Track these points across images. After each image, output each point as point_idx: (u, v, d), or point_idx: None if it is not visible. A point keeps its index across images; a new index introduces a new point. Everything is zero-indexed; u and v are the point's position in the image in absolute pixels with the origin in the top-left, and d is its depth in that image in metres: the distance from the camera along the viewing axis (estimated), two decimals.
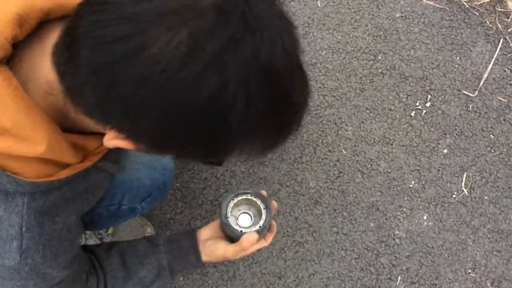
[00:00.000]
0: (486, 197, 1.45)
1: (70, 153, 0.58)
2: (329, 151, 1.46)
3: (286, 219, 1.38)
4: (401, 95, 1.54)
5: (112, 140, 0.52)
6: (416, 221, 1.42)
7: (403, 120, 1.52)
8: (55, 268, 0.66)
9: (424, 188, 1.45)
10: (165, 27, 0.43)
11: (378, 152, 1.48)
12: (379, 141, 1.49)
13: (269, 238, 0.96)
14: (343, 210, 1.40)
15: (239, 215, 1.00)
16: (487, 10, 1.68)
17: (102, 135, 0.55)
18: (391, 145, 1.49)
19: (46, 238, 0.62)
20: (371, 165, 1.46)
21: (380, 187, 1.44)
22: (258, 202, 0.98)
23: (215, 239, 0.94)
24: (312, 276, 1.33)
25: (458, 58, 1.61)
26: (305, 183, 1.42)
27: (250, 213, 1.02)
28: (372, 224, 1.40)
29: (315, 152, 1.45)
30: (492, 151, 1.50)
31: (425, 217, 1.42)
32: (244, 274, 1.32)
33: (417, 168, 1.47)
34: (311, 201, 1.40)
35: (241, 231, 0.93)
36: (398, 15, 1.65)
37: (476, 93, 1.57)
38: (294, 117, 0.52)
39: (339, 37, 1.60)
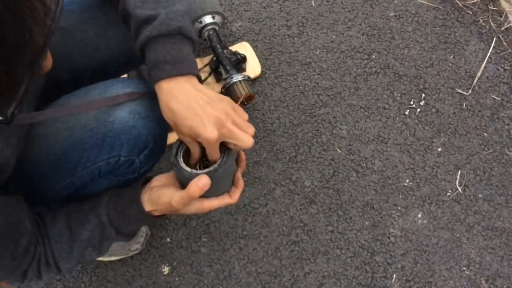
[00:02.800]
0: (480, 195, 1.46)
1: None
2: (324, 150, 1.46)
3: (281, 218, 1.38)
4: (395, 93, 1.55)
5: None
6: (411, 219, 1.42)
7: (397, 118, 1.52)
8: None
9: (419, 186, 1.46)
10: None
11: (373, 150, 1.48)
12: (374, 140, 1.49)
13: (235, 194, 0.85)
14: (338, 209, 1.41)
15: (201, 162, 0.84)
16: (480, 9, 1.69)
17: None
18: (386, 143, 1.49)
19: None
20: (365, 163, 1.46)
21: (375, 186, 1.44)
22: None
23: (164, 185, 0.83)
24: (307, 275, 1.33)
25: (451, 56, 1.62)
26: (300, 182, 1.42)
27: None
28: (367, 223, 1.41)
29: (310, 151, 1.45)
30: (486, 149, 1.51)
31: (419, 215, 1.43)
32: (239, 273, 1.32)
33: (412, 166, 1.48)
34: (306, 200, 1.40)
35: (191, 171, 0.78)
36: (392, 14, 1.65)
37: (470, 91, 1.57)
38: None
39: (333, 37, 1.60)
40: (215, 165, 0.78)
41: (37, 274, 0.83)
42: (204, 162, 0.83)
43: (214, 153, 0.78)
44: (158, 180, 0.85)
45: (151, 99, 0.87)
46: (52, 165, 0.87)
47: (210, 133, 0.74)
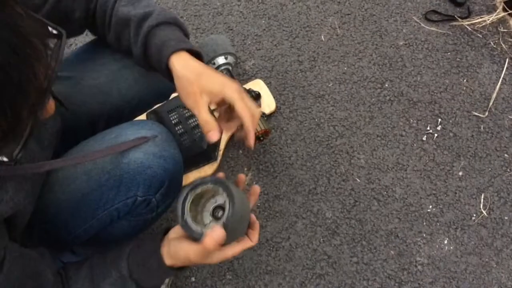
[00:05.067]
0: (506, 217, 1.43)
1: None
2: (343, 180, 1.46)
3: (304, 252, 1.37)
4: (411, 120, 1.55)
5: None
6: (437, 246, 1.40)
7: (415, 145, 1.52)
8: None
9: (443, 212, 1.44)
10: None
11: (393, 178, 1.47)
12: (393, 168, 1.49)
13: (254, 236, 0.85)
14: (361, 239, 1.39)
15: (213, 208, 0.82)
16: (490, 31, 1.70)
17: None
18: (405, 170, 1.48)
19: None
20: (386, 192, 1.45)
21: (398, 214, 1.43)
22: (220, 191, 0.80)
23: (181, 237, 0.80)
24: None
25: (465, 80, 1.62)
26: (321, 214, 1.41)
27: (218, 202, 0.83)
28: (392, 252, 1.39)
29: (329, 183, 1.45)
30: (508, 170, 1.49)
31: (446, 242, 1.40)
32: None
33: (434, 192, 1.46)
34: (328, 231, 1.40)
35: (202, 231, 0.76)
36: (401, 43, 1.68)
37: (487, 113, 1.57)
38: None
39: (345, 68, 1.62)
40: (224, 219, 0.75)
41: None
42: (215, 210, 0.81)
43: (246, 100, 0.82)
44: (176, 232, 0.83)
45: (164, 139, 0.91)
46: (72, 209, 0.89)
47: (237, 83, 0.81)
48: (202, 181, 0.79)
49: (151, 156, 0.88)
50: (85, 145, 0.92)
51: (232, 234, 0.78)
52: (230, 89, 0.80)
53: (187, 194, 0.78)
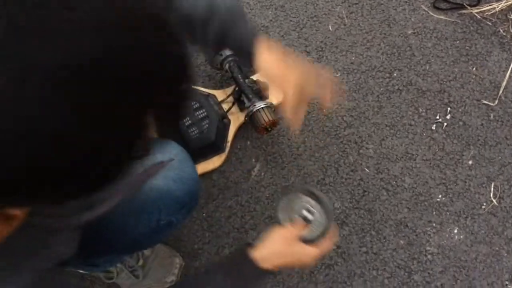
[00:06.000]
0: None
1: None
2: (352, 170, 1.46)
3: None
4: (420, 109, 1.54)
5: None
6: (447, 235, 1.39)
7: (424, 134, 1.51)
8: None
9: (452, 201, 1.43)
10: None
11: (402, 168, 1.47)
12: (402, 157, 1.48)
13: (335, 234, 0.95)
14: (371, 229, 1.39)
15: (303, 211, 0.93)
16: (499, 19, 1.68)
17: None
18: (415, 160, 1.48)
19: None
20: (395, 181, 1.45)
21: (407, 203, 1.42)
22: (310, 197, 0.94)
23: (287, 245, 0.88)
24: None
25: (474, 68, 1.60)
26: (330, 204, 1.41)
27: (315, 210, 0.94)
28: (402, 242, 1.38)
29: (337, 173, 1.45)
30: None
31: (455, 231, 1.40)
32: None
33: (443, 181, 1.45)
34: (337, 222, 1.39)
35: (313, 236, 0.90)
36: (410, 32, 1.66)
37: (496, 101, 1.55)
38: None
39: (353, 58, 1.61)
40: (324, 221, 0.91)
41: None
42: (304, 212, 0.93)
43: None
44: (273, 247, 0.88)
45: (181, 159, 0.94)
46: (94, 239, 0.89)
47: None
48: (295, 188, 0.99)
49: (170, 181, 0.90)
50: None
51: (321, 235, 0.91)
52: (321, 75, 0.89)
53: (280, 201, 0.94)
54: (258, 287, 0.91)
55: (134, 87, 0.37)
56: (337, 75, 1.58)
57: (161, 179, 0.89)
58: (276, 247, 0.86)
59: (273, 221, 0.92)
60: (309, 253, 0.88)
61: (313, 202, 0.93)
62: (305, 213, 0.93)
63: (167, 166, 0.90)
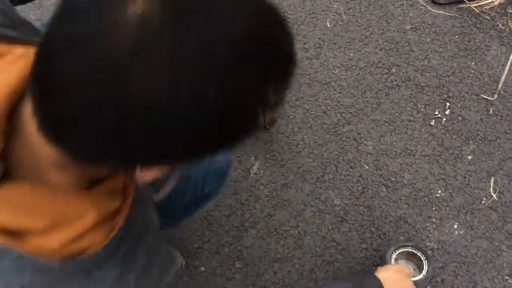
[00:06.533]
0: None
1: (112, 198, 0.58)
2: (351, 167, 1.46)
3: (313, 239, 1.37)
4: (419, 105, 1.54)
5: (145, 175, 0.51)
6: (447, 230, 1.39)
7: (423, 130, 1.51)
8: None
9: (452, 197, 1.43)
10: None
11: (401, 164, 1.47)
12: (401, 153, 1.48)
13: None
14: (370, 225, 1.39)
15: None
16: (498, 13, 1.67)
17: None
18: (414, 156, 1.47)
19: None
20: (395, 178, 1.45)
21: (407, 199, 1.42)
22: (419, 254, 1.24)
23: None
24: None
25: (473, 63, 1.60)
26: (330, 201, 1.41)
27: (409, 266, 1.27)
28: (402, 238, 1.38)
29: (336, 170, 1.45)
30: None
31: (455, 226, 1.40)
32: None
33: (443, 177, 1.45)
34: (337, 218, 1.40)
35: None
36: (408, 27, 1.66)
37: (496, 96, 1.55)
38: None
39: (351, 54, 1.61)
40: (424, 273, 1.23)
41: None
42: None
43: None
44: None
45: None
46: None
47: None
48: (404, 244, 1.27)
49: None
50: None
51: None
52: None
53: (393, 251, 1.26)
54: None
55: (270, 61, 0.46)
56: (336, 72, 1.58)
57: None
58: (393, 275, 1.08)
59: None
60: None
61: (420, 256, 1.25)
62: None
63: None
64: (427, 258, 1.23)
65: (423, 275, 1.21)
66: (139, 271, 0.59)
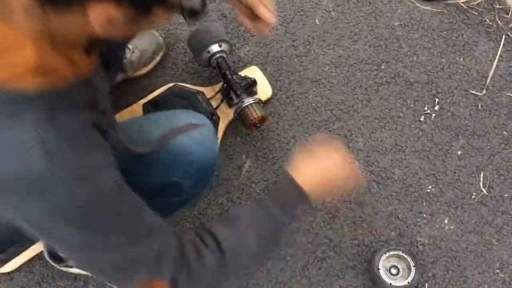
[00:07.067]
0: (506, 195, 1.43)
1: (61, 59, 0.64)
2: None
3: (306, 236, 1.38)
4: (409, 101, 1.55)
5: (97, 15, 0.58)
6: (438, 225, 1.40)
7: (413, 126, 1.51)
8: (93, 166, 0.66)
9: (442, 192, 1.44)
10: None
11: (392, 160, 1.47)
12: (391, 149, 1.49)
13: None
14: (362, 222, 1.40)
15: (389, 267, 1.30)
16: (486, 8, 1.68)
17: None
18: (404, 152, 1.48)
19: (68, 134, 0.63)
20: (385, 174, 1.46)
21: (397, 195, 1.43)
22: (409, 259, 1.28)
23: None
24: None
25: (461, 59, 1.61)
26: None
27: (399, 266, 1.30)
28: (393, 233, 1.39)
29: None
30: (507, 147, 1.49)
31: (446, 221, 1.41)
32: None
33: (433, 172, 1.46)
34: (329, 215, 1.40)
35: (390, 283, 1.26)
36: (396, 23, 1.66)
37: (484, 91, 1.56)
38: None
39: (341, 52, 1.61)
40: (409, 280, 1.26)
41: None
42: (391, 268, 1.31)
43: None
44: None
45: (211, 132, 1.00)
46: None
47: None
48: (396, 247, 1.30)
49: (195, 143, 0.95)
50: (142, 127, 1.00)
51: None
52: None
53: (384, 253, 1.29)
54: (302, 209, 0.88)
55: None
56: (325, 69, 1.59)
57: (188, 139, 0.95)
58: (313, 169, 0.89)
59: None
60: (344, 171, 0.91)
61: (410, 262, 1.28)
62: (391, 269, 1.30)
63: (198, 129, 0.97)
64: (415, 265, 1.27)
65: (408, 282, 1.26)
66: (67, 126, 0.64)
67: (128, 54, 1.44)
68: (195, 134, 0.97)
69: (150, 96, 1.46)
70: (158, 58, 1.53)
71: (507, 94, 1.55)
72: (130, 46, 1.45)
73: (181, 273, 0.74)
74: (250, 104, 1.36)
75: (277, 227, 0.85)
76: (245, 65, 1.57)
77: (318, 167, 0.89)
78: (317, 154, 0.91)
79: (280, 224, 0.85)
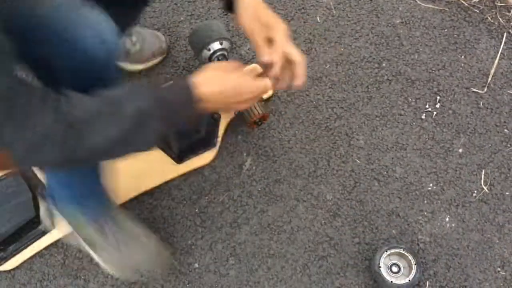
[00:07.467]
0: (507, 193, 1.43)
1: None
2: (343, 162, 1.46)
3: (306, 234, 1.37)
4: (410, 99, 1.54)
5: None
6: (439, 223, 1.40)
7: (414, 124, 1.51)
8: None
9: (443, 190, 1.44)
10: None
11: (393, 158, 1.47)
12: (393, 147, 1.48)
13: None
14: (363, 220, 1.40)
15: (390, 265, 1.29)
16: (487, 6, 1.68)
17: None
18: (405, 149, 1.48)
19: None
20: (386, 172, 1.45)
21: (398, 193, 1.43)
22: (410, 257, 1.27)
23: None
24: None
25: (463, 56, 1.61)
26: (322, 196, 1.42)
27: (400, 264, 1.29)
28: (394, 231, 1.39)
29: (328, 165, 1.45)
30: (508, 145, 1.48)
31: (447, 219, 1.40)
32: None
33: (434, 170, 1.46)
34: (329, 213, 1.40)
35: (391, 281, 1.25)
36: (398, 21, 1.66)
37: (485, 89, 1.56)
38: None
39: (342, 49, 1.61)
40: (410, 278, 1.26)
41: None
42: (392, 266, 1.29)
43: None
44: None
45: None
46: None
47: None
48: (397, 245, 1.30)
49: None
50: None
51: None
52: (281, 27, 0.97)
53: (385, 251, 1.28)
54: (184, 112, 0.82)
55: None
56: (326, 67, 1.58)
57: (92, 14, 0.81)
58: (215, 72, 0.86)
59: None
60: (250, 83, 0.90)
61: (411, 260, 1.28)
62: (392, 267, 1.29)
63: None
64: (417, 263, 1.26)
65: (409, 280, 1.25)
66: None
67: (128, 44, 1.46)
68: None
69: None
70: (156, 60, 1.54)
71: (509, 92, 1.55)
72: (133, 38, 1.46)
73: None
74: None
75: (140, 118, 0.75)
76: (246, 63, 1.57)
77: (221, 75, 0.87)
78: (223, 67, 0.91)
79: (145, 117, 0.76)
